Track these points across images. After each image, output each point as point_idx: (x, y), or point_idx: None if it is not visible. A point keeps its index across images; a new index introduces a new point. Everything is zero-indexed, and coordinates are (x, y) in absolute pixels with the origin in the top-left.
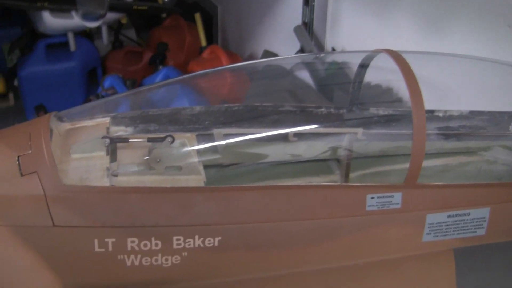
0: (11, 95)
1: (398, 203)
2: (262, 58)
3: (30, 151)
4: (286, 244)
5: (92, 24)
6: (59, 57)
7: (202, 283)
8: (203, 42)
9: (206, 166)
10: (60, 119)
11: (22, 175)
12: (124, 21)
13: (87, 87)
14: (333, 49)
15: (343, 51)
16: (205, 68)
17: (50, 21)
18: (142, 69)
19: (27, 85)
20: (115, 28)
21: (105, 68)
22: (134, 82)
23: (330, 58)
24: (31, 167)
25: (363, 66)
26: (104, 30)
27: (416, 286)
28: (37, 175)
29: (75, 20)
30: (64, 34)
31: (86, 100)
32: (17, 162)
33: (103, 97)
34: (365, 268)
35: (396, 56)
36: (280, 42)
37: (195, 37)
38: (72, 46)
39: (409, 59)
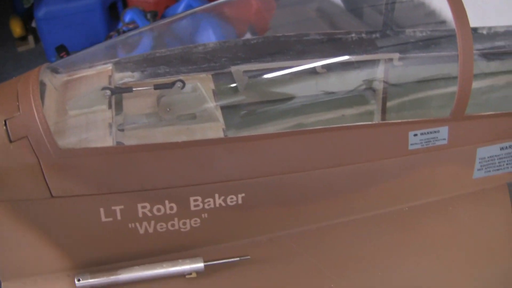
0: (30, 37)
1: (444, 139)
2: None
3: (19, 113)
4: (320, 194)
5: None
6: None
7: (226, 246)
8: None
9: (225, 110)
10: (55, 71)
11: (11, 141)
12: None
13: (108, 23)
14: None
15: None
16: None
17: None
18: (163, 0)
19: (45, 25)
20: None
21: (126, 1)
22: (155, 14)
23: None
24: (20, 131)
25: None
26: None
27: (470, 227)
28: (28, 140)
29: None
30: None
31: (107, 37)
32: (4, 127)
33: (124, 32)
34: (411, 213)
35: None
36: None
37: None
38: None
39: None
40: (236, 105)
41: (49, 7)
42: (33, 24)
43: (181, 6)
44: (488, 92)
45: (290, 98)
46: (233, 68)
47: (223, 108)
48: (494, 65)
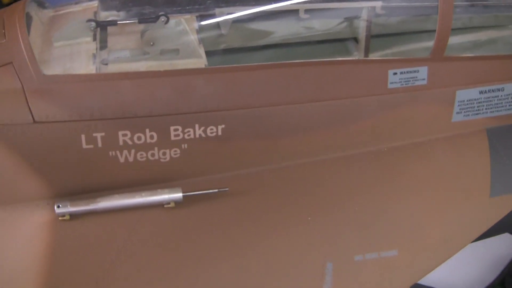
0: None
1: (424, 79)
2: None
3: (4, 40)
4: (300, 129)
5: None
6: None
7: (205, 178)
8: None
9: (209, 52)
10: (42, 6)
11: None
12: None
13: None
14: None
15: None
16: None
17: None
18: None
19: None
20: None
21: None
22: None
23: None
24: (5, 57)
25: None
26: None
27: (448, 170)
28: (12, 66)
29: None
30: None
31: None
32: None
33: None
34: (390, 153)
35: None
36: None
37: None
38: None
39: None
40: (219, 47)
41: None
42: None
43: None
44: (471, 48)
45: (273, 43)
46: (218, 11)
47: (206, 51)
48: (477, 18)
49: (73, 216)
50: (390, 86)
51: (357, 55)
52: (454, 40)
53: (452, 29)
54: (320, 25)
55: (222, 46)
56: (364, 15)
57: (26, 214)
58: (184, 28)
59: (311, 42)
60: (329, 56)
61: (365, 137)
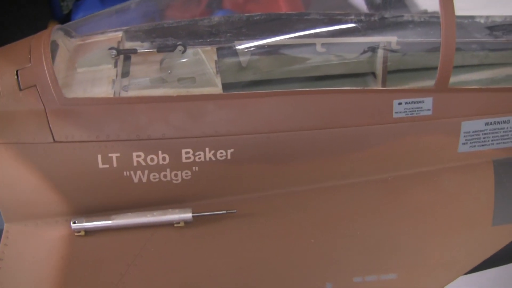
0: None
1: (429, 109)
2: None
3: (30, 64)
4: (306, 155)
5: None
6: (114, 1)
7: (214, 200)
8: None
9: (227, 84)
10: (69, 34)
11: (21, 89)
12: None
13: None
14: None
15: None
16: (263, 11)
17: None
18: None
19: None
20: None
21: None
22: None
23: None
24: (30, 80)
25: None
26: None
27: (453, 200)
28: (36, 88)
29: None
30: None
31: None
32: (15, 77)
33: None
34: (397, 182)
35: None
36: None
37: None
38: None
39: None
40: (236, 79)
41: (86, 13)
42: None
43: None
44: (488, 85)
45: (290, 77)
46: (237, 43)
47: (224, 83)
48: (493, 56)
49: (88, 232)
50: (395, 115)
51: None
52: (469, 77)
53: (465, 66)
54: (337, 59)
55: (240, 78)
56: (380, 50)
57: (45, 229)
58: (201, 58)
59: (329, 76)
60: None
61: (371, 165)
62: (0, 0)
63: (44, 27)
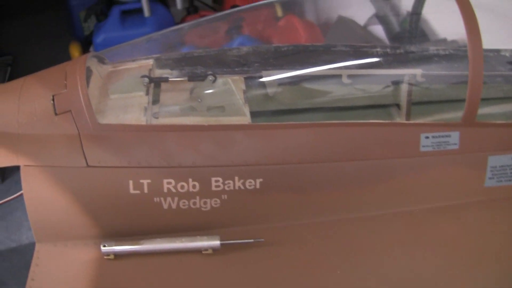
0: None
1: (455, 144)
2: (336, 24)
3: (65, 90)
4: (334, 186)
5: None
6: (134, 23)
7: (243, 229)
8: (279, 12)
9: (254, 112)
10: (102, 61)
11: (56, 114)
12: None
13: None
14: None
15: None
16: (282, 37)
17: None
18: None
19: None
20: None
21: None
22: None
23: None
24: (65, 106)
25: None
26: None
27: (478, 235)
28: (71, 114)
29: None
30: (138, 0)
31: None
32: (52, 102)
33: None
34: (422, 215)
35: None
36: (356, 7)
37: None
38: (146, 11)
39: None
40: (264, 108)
41: (107, 34)
42: (91, 50)
43: (234, 45)
44: None
45: (316, 107)
46: (265, 73)
47: (252, 111)
48: None
49: (117, 255)
50: (422, 149)
51: (399, 121)
52: (494, 109)
53: (490, 99)
54: (362, 91)
55: (266, 107)
56: (405, 82)
57: (74, 251)
58: (230, 87)
59: (354, 107)
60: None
61: (396, 198)
62: (23, 18)
63: (65, 46)
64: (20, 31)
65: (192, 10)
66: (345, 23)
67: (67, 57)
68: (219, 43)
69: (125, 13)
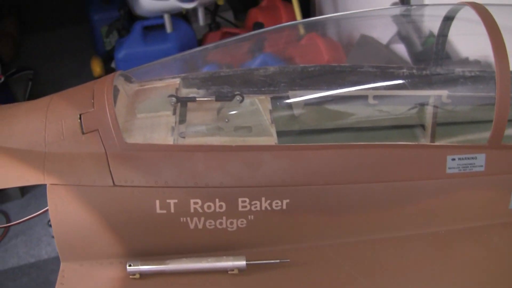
0: None
1: (481, 166)
2: (359, 43)
3: (93, 109)
4: (360, 208)
5: (188, 5)
6: (156, 39)
7: (269, 249)
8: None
9: (280, 132)
10: (129, 80)
11: (83, 133)
12: (220, 2)
13: None
14: None
15: (423, 4)
16: (304, 55)
17: (147, 2)
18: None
19: (123, 66)
20: (212, 10)
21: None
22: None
23: (411, 12)
24: (92, 125)
25: (448, 19)
26: (201, 12)
27: (503, 257)
28: (98, 133)
29: (171, 2)
30: (160, 16)
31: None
32: (79, 120)
33: None
34: (446, 236)
35: (480, 9)
36: (378, 26)
37: (291, 18)
38: (168, 27)
39: (495, 12)
40: (290, 128)
41: (128, 50)
42: (113, 65)
43: (256, 63)
44: None
45: (342, 127)
46: (291, 93)
47: (278, 131)
48: None
49: (143, 275)
50: (448, 171)
51: (424, 142)
52: None
53: None
54: (388, 111)
55: (293, 127)
56: (431, 103)
57: (100, 270)
58: (258, 108)
59: (380, 127)
60: (396, 141)
61: (422, 219)
62: (44, 33)
63: (86, 61)
64: (42, 45)
65: (214, 26)
66: (367, 42)
67: (88, 72)
68: (241, 61)
69: (147, 29)
